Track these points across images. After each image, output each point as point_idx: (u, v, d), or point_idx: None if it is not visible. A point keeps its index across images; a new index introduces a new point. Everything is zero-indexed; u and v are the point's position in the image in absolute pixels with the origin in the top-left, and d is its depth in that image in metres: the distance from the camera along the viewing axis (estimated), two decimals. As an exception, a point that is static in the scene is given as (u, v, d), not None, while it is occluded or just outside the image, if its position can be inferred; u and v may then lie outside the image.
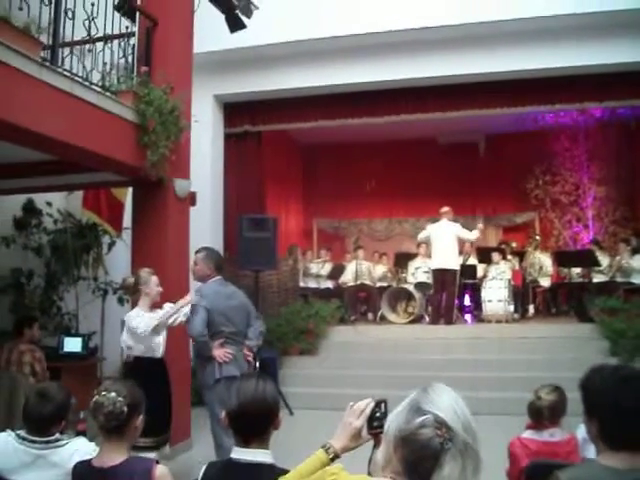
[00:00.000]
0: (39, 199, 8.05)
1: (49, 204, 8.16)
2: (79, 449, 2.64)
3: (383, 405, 1.83)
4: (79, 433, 3.39)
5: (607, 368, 1.97)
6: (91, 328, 8.22)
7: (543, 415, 3.11)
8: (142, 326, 4.58)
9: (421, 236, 10.03)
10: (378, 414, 1.82)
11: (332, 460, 1.83)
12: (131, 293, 4.88)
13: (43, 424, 2.67)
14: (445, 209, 9.68)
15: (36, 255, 8.05)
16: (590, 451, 2.37)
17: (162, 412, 4.68)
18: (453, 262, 9.50)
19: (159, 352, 4.78)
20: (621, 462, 1.79)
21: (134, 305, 4.97)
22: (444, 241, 9.44)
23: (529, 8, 8.14)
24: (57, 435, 2.69)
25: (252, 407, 2.11)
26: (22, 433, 2.67)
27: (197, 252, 5.46)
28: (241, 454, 2.11)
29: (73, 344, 7.38)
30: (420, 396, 1.44)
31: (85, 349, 7.45)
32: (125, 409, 2.36)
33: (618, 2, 7.85)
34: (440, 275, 9.44)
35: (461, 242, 9.84)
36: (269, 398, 2.15)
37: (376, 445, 1.76)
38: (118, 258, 8.53)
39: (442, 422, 1.36)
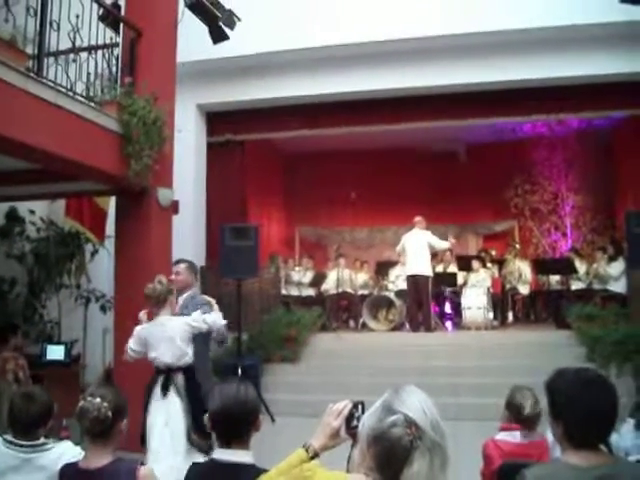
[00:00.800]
0: (22, 207, 8.07)
1: (32, 212, 8.19)
2: (65, 452, 2.69)
3: (360, 406, 1.92)
4: (62, 440, 3.44)
5: (569, 371, 2.06)
6: (73, 336, 8.24)
7: (535, 422, 3.17)
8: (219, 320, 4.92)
9: (398, 248, 10.20)
10: (356, 415, 1.90)
11: (312, 458, 1.91)
12: (158, 302, 4.85)
13: (30, 425, 2.71)
14: (418, 218, 9.90)
15: (19, 263, 8.06)
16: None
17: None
18: (425, 268, 9.65)
19: None
20: (583, 460, 1.89)
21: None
22: (415, 248, 9.63)
23: (508, 21, 8.28)
24: (43, 439, 2.75)
25: (234, 409, 2.18)
26: (8, 437, 2.71)
27: (178, 263, 5.49)
28: (223, 454, 2.18)
29: (56, 352, 7.38)
30: (392, 397, 1.53)
31: (68, 357, 7.45)
32: (110, 414, 2.41)
33: (594, 15, 8.01)
34: (413, 281, 9.58)
35: (433, 250, 9.96)
36: (250, 400, 2.23)
37: (354, 444, 1.84)
38: (101, 266, 8.56)
39: (412, 421, 1.45)
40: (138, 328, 4.83)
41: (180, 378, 4.70)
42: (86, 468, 2.40)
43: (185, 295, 5.39)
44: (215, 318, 4.93)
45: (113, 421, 2.44)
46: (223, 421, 2.19)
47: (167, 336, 4.69)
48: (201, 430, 4.49)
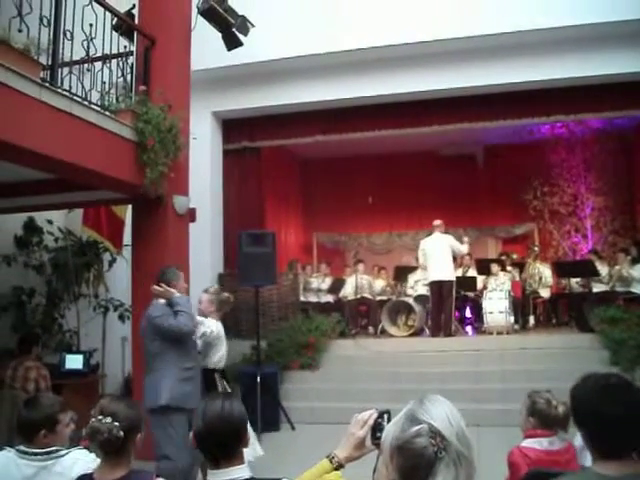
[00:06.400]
0: (40, 217, 8.10)
1: (50, 222, 8.21)
2: (80, 459, 2.67)
3: (386, 416, 1.86)
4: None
5: (592, 377, 1.99)
6: (92, 345, 8.24)
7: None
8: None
9: (421, 260, 10.03)
10: (382, 424, 1.84)
11: (336, 469, 1.86)
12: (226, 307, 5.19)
13: (31, 430, 2.70)
14: (437, 222, 9.76)
15: (37, 273, 8.10)
16: (588, 459, 2.38)
17: None
18: (449, 273, 9.56)
19: None
20: (613, 470, 1.81)
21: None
22: (439, 253, 9.52)
23: (525, 21, 8.20)
24: (56, 446, 2.71)
25: (219, 427, 2.07)
26: (22, 448, 2.69)
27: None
28: (216, 476, 2.06)
29: (74, 361, 7.39)
30: (416, 406, 1.46)
31: (86, 366, 7.46)
32: (121, 434, 2.34)
33: (614, 14, 7.91)
34: (437, 287, 9.48)
35: (455, 254, 9.88)
36: (236, 417, 2.11)
37: (380, 455, 1.78)
38: (119, 275, 8.56)
39: (436, 432, 1.38)
40: None
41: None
42: None
43: None
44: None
45: (126, 438, 2.37)
46: (209, 440, 2.07)
47: None
48: None
